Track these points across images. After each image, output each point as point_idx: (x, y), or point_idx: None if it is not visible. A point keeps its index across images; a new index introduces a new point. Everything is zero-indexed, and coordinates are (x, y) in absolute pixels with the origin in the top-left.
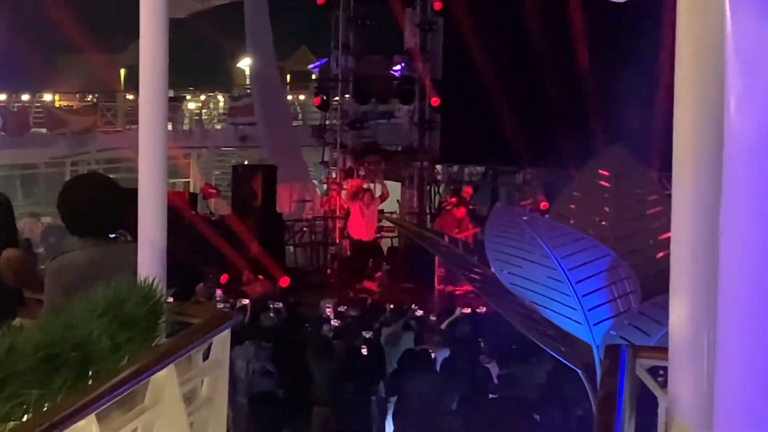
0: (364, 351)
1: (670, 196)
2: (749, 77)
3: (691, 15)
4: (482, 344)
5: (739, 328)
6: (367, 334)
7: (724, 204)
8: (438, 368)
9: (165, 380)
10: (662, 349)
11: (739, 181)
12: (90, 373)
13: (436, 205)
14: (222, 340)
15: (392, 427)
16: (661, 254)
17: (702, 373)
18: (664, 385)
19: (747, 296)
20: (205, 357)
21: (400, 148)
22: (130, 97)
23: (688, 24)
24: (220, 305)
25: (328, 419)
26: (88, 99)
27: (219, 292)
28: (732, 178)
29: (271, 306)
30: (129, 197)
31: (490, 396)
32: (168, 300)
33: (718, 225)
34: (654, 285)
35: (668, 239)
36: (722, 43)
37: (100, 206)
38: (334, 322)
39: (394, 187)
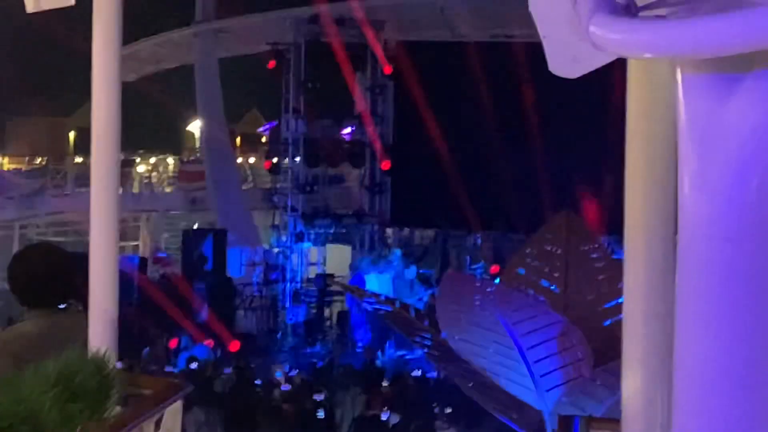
0: (319, 414)
1: (619, 261)
2: (704, 160)
3: (641, 87)
4: (436, 410)
5: (695, 404)
6: (319, 398)
7: (679, 279)
8: None
9: None
10: (614, 421)
11: (693, 258)
12: None
13: None
14: (174, 411)
15: None
16: (610, 321)
17: None
18: None
19: (702, 374)
20: (157, 428)
21: (350, 212)
22: (79, 159)
23: (639, 96)
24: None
25: None
26: (37, 162)
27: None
28: (686, 254)
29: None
30: (79, 263)
31: None
32: (120, 370)
33: (670, 292)
34: (605, 350)
35: (618, 305)
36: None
37: (49, 277)
38: (285, 387)
39: (345, 251)
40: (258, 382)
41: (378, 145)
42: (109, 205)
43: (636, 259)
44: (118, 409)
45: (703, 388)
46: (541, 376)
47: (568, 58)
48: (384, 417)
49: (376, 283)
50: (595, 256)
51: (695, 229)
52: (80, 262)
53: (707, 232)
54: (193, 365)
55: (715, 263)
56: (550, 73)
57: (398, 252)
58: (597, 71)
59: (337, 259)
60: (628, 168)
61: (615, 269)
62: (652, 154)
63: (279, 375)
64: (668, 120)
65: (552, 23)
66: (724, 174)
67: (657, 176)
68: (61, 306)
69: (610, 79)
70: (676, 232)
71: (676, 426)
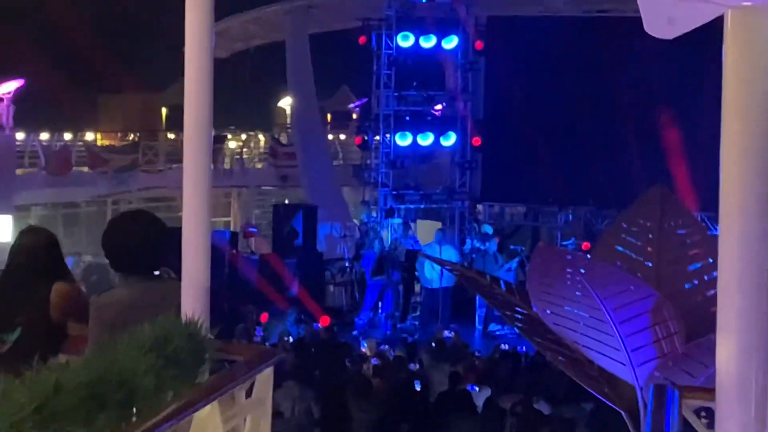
0: (416, 386)
1: (713, 236)
2: None
3: (738, 51)
4: (527, 384)
5: None
6: (413, 367)
7: None
8: (480, 408)
9: (208, 417)
10: (709, 390)
11: None
12: (134, 410)
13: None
14: (265, 378)
15: None
16: (702, 296)
17: (750, 415)
18: (708, 426)
19: None
20: (248, 395)
21: (440, 188)
22: (171, 136)
23: (736, 61)
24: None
25: None
26: (130, 138)
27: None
28: None
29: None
30: (172, 235)
31: None
32: (212, 338)
33: (765, 263)
34: (697, 326)
35: (711, 281)
36: None
37: (144, 243)
38: (374, 361)
39: (435, 227)
40: (347, 357)
41: (469, 121)
42: (201, 178)
43: (731, 230)
44: (210, 375)
45: None
46: (634, 351)
47: (664, 19)
48: (474, 391)
49: (454, 255)
50: (688, 230)
51: None
52: (174, 236)
53: None
54: (288, 339)
55: None
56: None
57: (489, 228)
58: (694, 45)
59: (427, 234)
60: (723, 141)
61: (709, 244)
62: (749, 126)
63: (364, 346)
64: (766, 89)
65: None
66: None
67: (753, 149)
68: (155, 273)
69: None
70: None
71: None
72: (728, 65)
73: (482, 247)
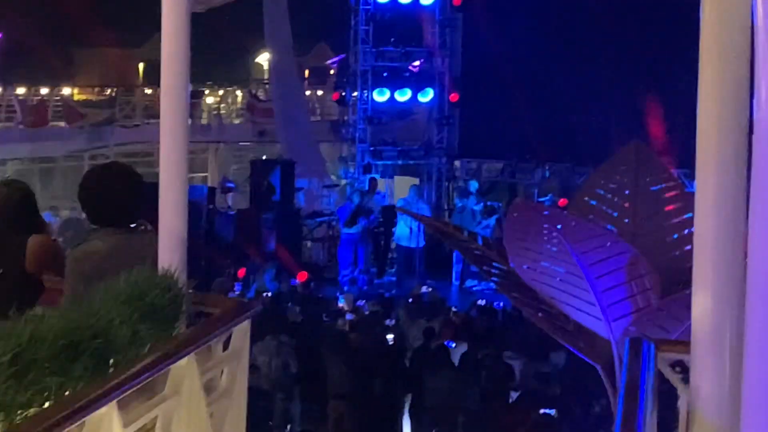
0: (389, 339)
1: (689, 193)
2: None
3: (715, 5)
4: (503, 340)
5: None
6: (390, 322)
7: (754, 190)
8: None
9: (185, 370)
10: (684, 343)
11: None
12: (111, 361)
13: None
14: (242, 331)
15: (409, 423)
16: (679, 251)
17: (725, 367)
18: (683, 380)
19: None
20: (225, 348)
21: (418, 144)
22: (148, 91)
23: (713, 17)
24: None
25: (344, 413)
26: (107, 93)
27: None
28: (761, 163)
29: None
30: (148, 188)
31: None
32: (188, 290)
33: (741, 218)
34: (673, 281)
35: (687, 236)
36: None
37: (120, 195)
38: (349, 316)
39: (412, 183)
40: (324, 312)
41: (446, 78)
42: (179, 133)
43: (707, 185)
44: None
45: None
46: (609, 306)
47: None
48: (450, 346)
49: (428, 212)
50: (664, 186)
51: None
52: (151, 190)
53: None
54: (265, 295)
55: None
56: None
57: (475, 184)
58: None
59: (405, 191)
60: (700, 95)
61: (685, 200)
62: (725, 80)
63: (342, 302)
64: (742, 44)
65: None
66: None
67: (729, 103)
68: (132, 226)
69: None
70: (747, 159)
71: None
72: (705, 19)
73: (461, 204)
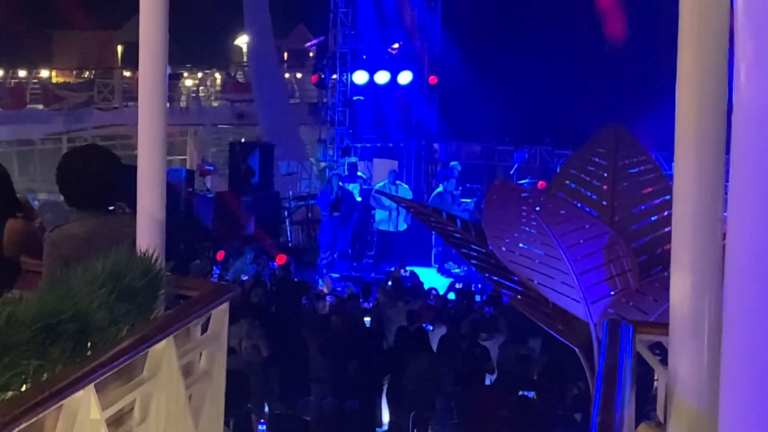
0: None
1: (668, 175)
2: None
3: None
4: (481, 323)
5: (746, 302)
6: (367, 305)
7: (733, 171)
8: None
9: (164, 352)
10: (662, 325)
11: (749, 147)
12: (89, 344)
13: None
14: (220, 314)
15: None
16: (658, 233)
17: (703, 349)
18: (662, 362)
19: (755, 270)
20: (204, 330)
21: (397, 127)
22: (127, 74)
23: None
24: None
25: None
26: (85, 75)
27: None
28: (740, 145)
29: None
30: (127, 170)
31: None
32: (167, 273)
33: (719, 201)
34: (652, 264)
35: (666, 219)
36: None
37: (98, 177)
38: (330, 298)
39: (391, 165)
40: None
41: (425, 60)
42: (157, 116)
43: (686, 167)
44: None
45: (755, 282)
46: (588, 288)
47: None
48: (429, 329)
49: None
50: (643, 168)
51: (751, 118)
52: (129, 172)
53: (764, 117)
54: (244, 277)
55: None
56: None
57: (458, 166)
58: None
59: (384, 174)
60: (679, 77)
61: (663, 182)
62: (704, 61)
63: (321, 285)
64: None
65: None
66: None
67: (708, 84)
68: (110, 208)
69: None
70: (726, 140)
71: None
72: (684, 0)
73: (440, 186)
